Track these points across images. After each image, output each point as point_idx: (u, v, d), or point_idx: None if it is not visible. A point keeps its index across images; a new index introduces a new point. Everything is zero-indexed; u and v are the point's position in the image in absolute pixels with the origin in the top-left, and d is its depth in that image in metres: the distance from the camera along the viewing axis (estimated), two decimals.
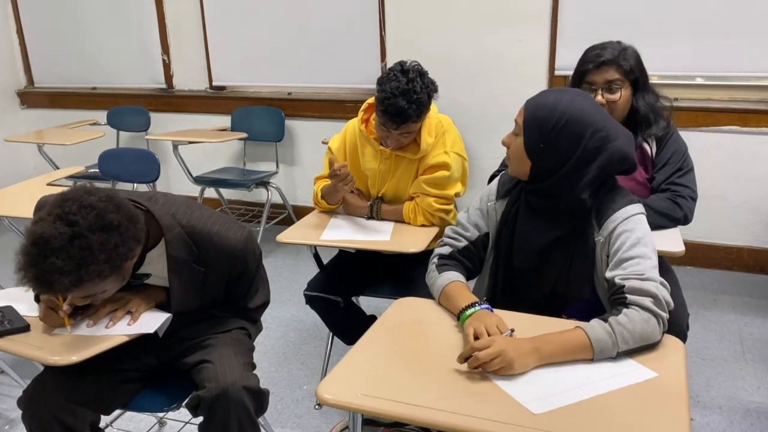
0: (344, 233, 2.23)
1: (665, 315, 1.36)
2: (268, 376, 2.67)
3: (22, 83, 5.03)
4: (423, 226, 2.27)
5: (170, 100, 4.58)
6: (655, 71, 3.43)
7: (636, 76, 2.02)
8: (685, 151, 2.08)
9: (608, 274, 1.44)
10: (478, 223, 1.68)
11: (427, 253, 1.85)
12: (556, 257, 1.54)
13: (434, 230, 2.27)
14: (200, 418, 1.63)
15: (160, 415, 2.32)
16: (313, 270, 2.46)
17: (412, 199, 2.31)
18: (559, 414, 1.15)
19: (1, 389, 2.62)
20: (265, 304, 1.87)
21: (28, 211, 2.63)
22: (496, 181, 1.69)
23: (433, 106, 2.27)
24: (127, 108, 4.58)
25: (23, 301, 1.68)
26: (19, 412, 1.62)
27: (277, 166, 4.32)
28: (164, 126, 4.56)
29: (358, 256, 2.46)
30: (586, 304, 1.54)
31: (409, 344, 1.43)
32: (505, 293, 1.63)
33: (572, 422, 1.12)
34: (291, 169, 4.39)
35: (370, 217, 2.33)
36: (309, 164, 4.31)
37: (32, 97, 5.01)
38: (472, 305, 1.47)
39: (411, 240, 2.16)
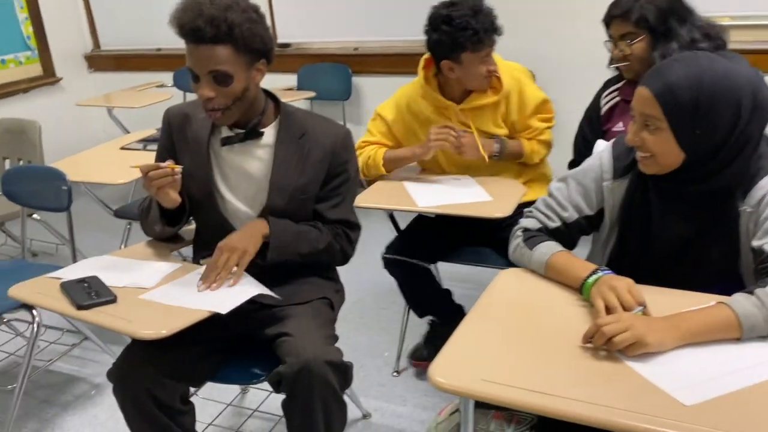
0: (434, 197, 2.10)
1: None
2: (347, 343, 2.55)
3: (89, 47, 5.03)
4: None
5: None
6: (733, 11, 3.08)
7: (650, 24, 1.82)
8: None
9: (755, 243, 1.26)
10: (578, 204, 1.48)
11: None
12: (698, 243, 1.36)
13: (522, 191, 2.12)
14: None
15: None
16: (385, 232, 2.35)
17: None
18: (715, 406, 0.99)
19: (86, 354, 2.65)
20: (358, 228, 1.81)
21: (104, 177, 2.63)
22: (607, 155, 1.46)
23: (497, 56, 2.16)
24: None
25: (108, 269, 1.63)
26: (104, 377, 1.59)
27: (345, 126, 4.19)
28: None
29: (439, 218, 2.33)
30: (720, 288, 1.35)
31: (523, 321, 1.29)
32: None
33: (735, 418, 0.97)
34: (359, 129, 4.24)
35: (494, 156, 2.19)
36: None
37: (99, 61, 5.01)
38: (594, 272, 1.31)
39: (497, 203, 2.01)
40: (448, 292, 2.39)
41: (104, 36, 4.98)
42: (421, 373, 2.41)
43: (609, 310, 1.21)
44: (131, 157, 2.81)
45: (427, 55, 2.15)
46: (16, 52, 4.49)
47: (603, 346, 1.14)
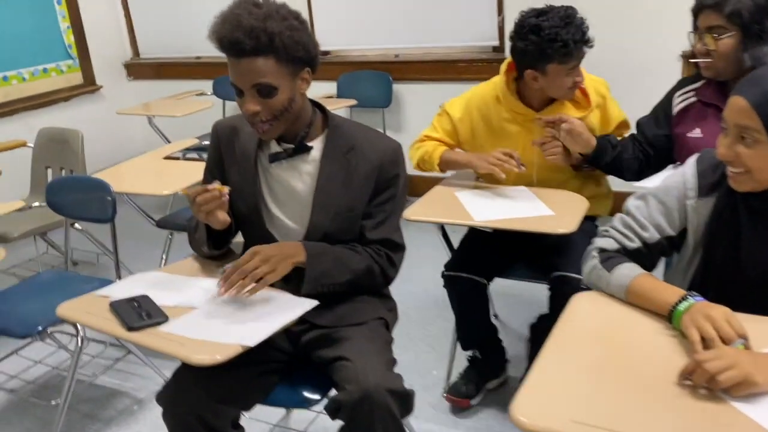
0: (491, 210, 2.00)
1: None
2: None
3: (128, 55, 5.05)
4: None
5: None
6: None
7: (744, 21, 1.69)
8: None
9: None
10: (659, 223, 1.38)
11: None
12: None
13: (585, 205, 2.01)
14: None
15: None
16: (429, 242, 2.28)
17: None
18: None
19: (128, 367, 2.60)
20: (402, 248, 1.70)
21: (148, 188, 2.60)
22: (692, 171, 1.36)
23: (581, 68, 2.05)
24: None
25: (155, 287, 1.57)
26: (147, 392, 1.52)
27: (385, 133, 4.13)
28: None
29: (495, 232, 2.23)
30: None
31: (607, 353, 1.18)
32: None
33: None
34: (399, 136, 4.16)
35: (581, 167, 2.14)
36: (418, 131, 4.02)
37: (138, 69, 5.02)
38: (684, 298, 1.21)
39: (559, 218, 1.90)
40: (495, 328, 2.32)
41: (143, 44, 5.00)
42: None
43: (706, 343, 1.11)
44: (174, 167, 2.78)
45: (509, 59, 2.08)
46: (58, 60, 4.52)
47: (704, 384, 1.04)
